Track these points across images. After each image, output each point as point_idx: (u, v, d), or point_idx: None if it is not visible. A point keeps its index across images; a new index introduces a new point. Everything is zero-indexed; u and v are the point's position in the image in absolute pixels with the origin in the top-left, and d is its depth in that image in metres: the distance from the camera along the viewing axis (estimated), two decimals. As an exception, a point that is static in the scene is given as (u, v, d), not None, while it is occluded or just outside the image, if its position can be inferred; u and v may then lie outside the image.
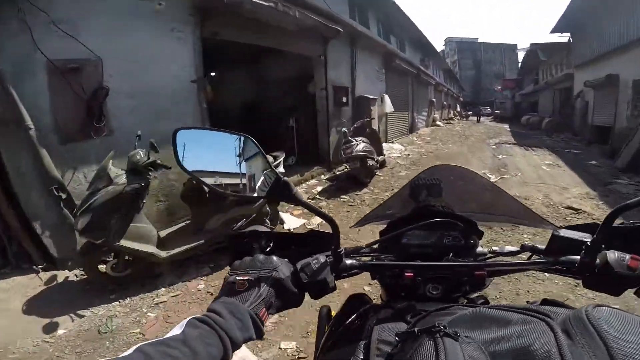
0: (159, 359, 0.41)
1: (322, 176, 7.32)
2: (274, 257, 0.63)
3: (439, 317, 0.54)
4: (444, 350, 0.39)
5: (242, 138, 0.67)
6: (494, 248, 0.82)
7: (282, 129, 8.60)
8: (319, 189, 6.52)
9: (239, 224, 3.39)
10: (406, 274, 0.67)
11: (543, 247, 0.72)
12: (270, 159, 2.33)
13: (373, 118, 8.21)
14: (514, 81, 37.55)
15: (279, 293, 0.60)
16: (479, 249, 0.81)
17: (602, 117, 12.04)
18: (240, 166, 0.68)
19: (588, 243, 0.63)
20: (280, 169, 3.96)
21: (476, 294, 0.76)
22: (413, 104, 15.44)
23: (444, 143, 13.09)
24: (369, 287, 2.82)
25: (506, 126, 23.60)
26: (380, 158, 7.38)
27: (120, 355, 0.41)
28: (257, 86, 10.44)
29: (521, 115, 28.35)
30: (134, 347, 0.43)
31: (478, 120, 27.39)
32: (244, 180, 0.68)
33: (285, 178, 0.63)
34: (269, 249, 0.74)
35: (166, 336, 0.46)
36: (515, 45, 58.13)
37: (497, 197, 0.96)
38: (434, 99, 20.38)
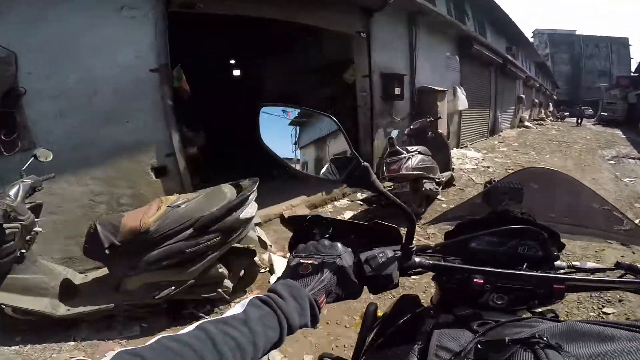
0: (219, 338, 0.41)
1: (358, 194, 5.26)
2: (339, 244, 0.61)
3: (514, 329, 0.53)
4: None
5: (324, 117, 0.67)
6: (574, 263, 0.77)
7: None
8: (348, 214, 4.54)
9: (165, 292, 2.26)
10: (475, 279, 0.63)
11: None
12: (228, 190, 2.37)
13: (439, 117, 5.87)
14: (629, 79, 30.23)
15: (340, 282, 0.58)
16: (557, 263, 0.75)
17: None
18: (319, 146, 0.70)
19: None
20: (252, 208, 2.44)
21: (543, 309, 0.69)
22: (496, 100, 12.29)
23: (539, 152, 9.86)
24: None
25: (618, 132, 18.22)
26: (446, 175, 5.06)
27: (182, 332, 0.42)
28: (273, 76, 8.92)
29: (637, 119, 22.42)
30: (196, 324, 0.43)
31: (579, 123, 21.70)
32: (323, 161, 0.68)
33: (366, 163, 0.57)
34: (328, 235, 0.69)
35: (227, 314, 0.47)
36: (626, 39, 48.10)
37: (598, 210, 0.84)
38: (522, 95, 16.53)
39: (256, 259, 2.76)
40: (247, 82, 10.32)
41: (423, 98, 6.84)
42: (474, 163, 7.87)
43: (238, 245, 2.46)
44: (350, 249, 0.62)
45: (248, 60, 9.55)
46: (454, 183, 5.81)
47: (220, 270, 2.36)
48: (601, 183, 6.25)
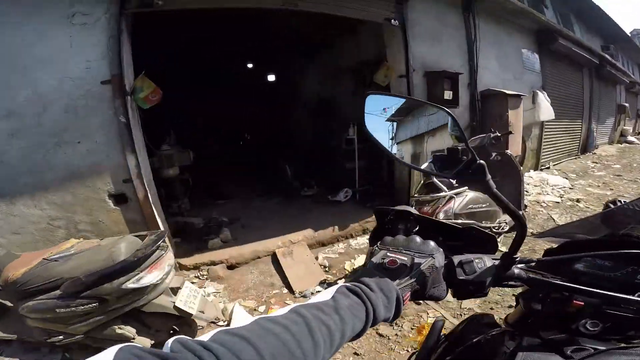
0: (314, 324, 0.41)
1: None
2: (432, 243, 0.60)
3: (621, 357, 0.50)
4: None
5: (434, 109, 0.68)
6: None
7: (334, 144, 5.54)
8: (355, 264, 3.30)
9: (54, 339, 1.85)
10: (575, 301, 0.58)
11: None
12: (125, 245, 1.89)
13: (511, 132, 4.14)
14: None
15: (429, 281, 0.57)
16: None
17: None
18: (429, 139, 0.69)
19: None
20: (154, 275, 1.88)
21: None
22: (591, 110, 9.64)
23: None
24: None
25: None
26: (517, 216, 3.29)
27: (277, 313, 0.43)
28: (301, 80, 7.94)
29: None
30: (289, 307, 0.44)
31: None
32: (425, 155, 0.68)
33: (481, 161, 0.54)
34: (414, 231, 0.69)
35: (317, 300, 0.47)
36: None
37: None
38: (625, 104, 13.15)
39: (208, 314, 2.31)
40: (260, 86, 9.45)
41: (488, 105, 5.14)
42: (558, 193, 5.76)
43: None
44: (441, 249, 0.61)
45: (260, 62, 8.68)
46: (524, 223, 3.93)
47: (119, 331, 1.87)
48: None
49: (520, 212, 0.53)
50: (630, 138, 13.37)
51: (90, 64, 2.78)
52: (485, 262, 0.59)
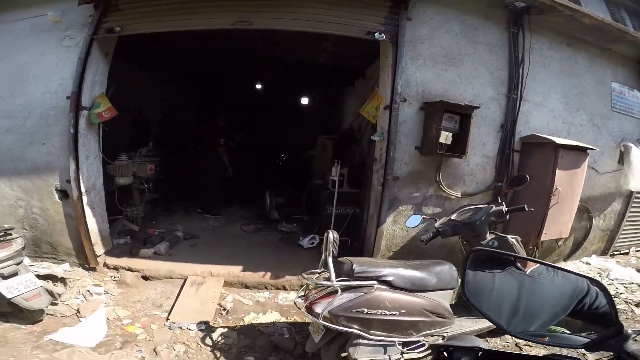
0: None
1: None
2: None
3: None
4: None
5: (587, 285, 0.62)
6: None
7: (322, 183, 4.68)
8: (260, 319, 2.85)
9: None
10: None
11: None
12: None
13: (525, 208, 2.27)
14: None
15: None
16: None
17: None
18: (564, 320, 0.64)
19: None
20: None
21: None
22: None
23: None
24: None
25: None
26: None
27: None
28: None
29: None
30: None
31: None
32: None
33: (628, 330, 0.52)
34: None
35: None
36: None
37: None
38: None
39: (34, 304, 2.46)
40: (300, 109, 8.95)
41: (530, 158, 3.41)
42: (615, 290, 3.71)
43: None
44: None
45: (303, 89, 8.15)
46: None
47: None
48: None
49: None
50: None
51: (64, 81, 3.14)
52: None
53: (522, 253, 2.24)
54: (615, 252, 4.91)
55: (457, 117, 2.91)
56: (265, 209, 5.30)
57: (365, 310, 1.72)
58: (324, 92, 7.85)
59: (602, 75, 4.12)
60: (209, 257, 3.76)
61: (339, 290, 1.71)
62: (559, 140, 3.23)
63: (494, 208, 2.25)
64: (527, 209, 2.24)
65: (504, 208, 2.24)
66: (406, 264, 1.97)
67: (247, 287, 3.36)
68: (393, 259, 3.20)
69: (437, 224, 2.33)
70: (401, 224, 3.05)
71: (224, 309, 2.95)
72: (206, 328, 2.62)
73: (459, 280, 2.39)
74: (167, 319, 2.71)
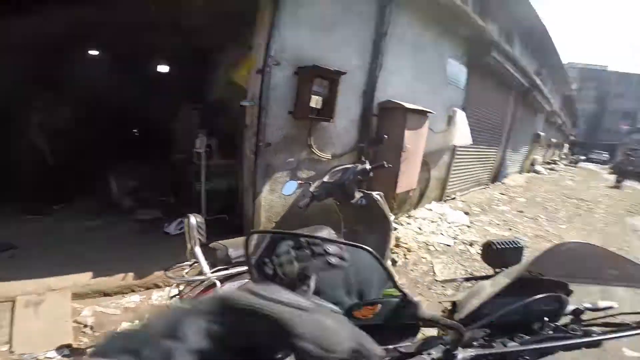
0: None
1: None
2: None
3: None
4: None
5: (351, 249, 0.55)
6: (585, 304, 0.80)
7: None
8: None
9: None
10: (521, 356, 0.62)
11: None
12: None
13: (385, 165, 2.43)
14: None
15: None
16: (571, 307, 0.77)
17: None
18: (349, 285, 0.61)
19: None
20: None
21: None
22: (509, 137, 9.05)
23: (551, 219, 6.56)
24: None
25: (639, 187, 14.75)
26: None
27: None
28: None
29: None
30: None
31: (618, 184, 13.67)
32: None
33: (416, 299, 0.50)
34: None
35: None
36: None
37: (605, 260, 0.79)
38: (542, 133, 13.18)
39: None
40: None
41: (386, 122, 3.78)
42: (454, 233, 4.80)
43: None
44: None
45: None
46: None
47: None
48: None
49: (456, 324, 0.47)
50: (537, 167, 13.57)
51: None
52: None
53: (386, 208, 2.39)
54: (447, 198, 6.25)
55: (327, 82, 2.91)
56: (112, 197, 4.32)
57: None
58: (191, 57, 6.69)
59: (442, 52, 4.87)
60: (41, 268, 2.86)
61: (218, 283, 1.42)
62: (408, 105, 3.68)
63: (359, 167, 2.31)
64: (386, 165, 2.38)
65: (367, 166, 2.31)
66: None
67: (107, 294, 2.74)
68: (267, 220, 3.14)
69: (312, 188, 2.26)
70: (279, 193, 2.96)
71: (84, 326, 2.41)
72: (70, 352, 2.16)
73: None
74: (11, 351, 2.17)
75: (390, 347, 0.59)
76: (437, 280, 3.37)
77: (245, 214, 3.14)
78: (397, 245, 3.89)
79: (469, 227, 5.19)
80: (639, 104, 42.47)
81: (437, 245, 4.20)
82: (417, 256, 3.85)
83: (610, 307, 0.83)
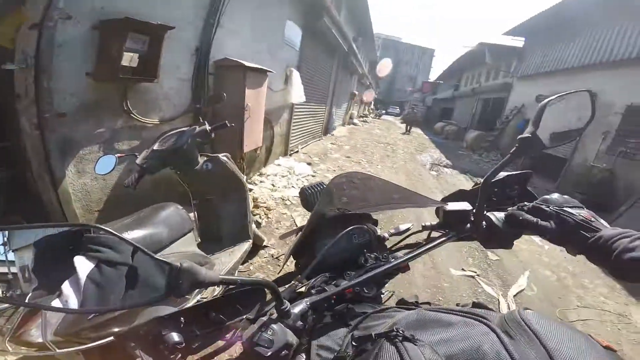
0: None
1: None
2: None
3: (379, 320, 0.57)
4: (407, 354, 0.38)
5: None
6: (391, 230, 0.91)
7: None
8: None
9: None
10: (347, 290, 0.66)
11: (435, 223, 0.81)
12: None
13: (227, 124, 2.16)
14: (430, 84, 36.05)
15: None
16: (379, 233, 0.85)
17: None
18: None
19: (473, 211, 0.73)
20: None
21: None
22: (334, 94, 10.33)
23: (370, 161, 8.35)
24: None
25: (420, 131, 20.70)
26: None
27: None
28: None
29: (432, 120, 26.48)
30: None
31: (408, 130, 18.84)
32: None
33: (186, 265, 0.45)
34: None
35: None
36: (433, 51, 59.09)
37: (388, 190, 0.83)
38: (356, 92, 15.76)
39: None
40: None
41: (224, 81, 3.49)
42: (302, 184, 5.27)
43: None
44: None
45: None
46: (264, 244, 3.12)
47: None
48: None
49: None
50: (355, 120, 16.43)
51: None
52: (273, 328, 0.54)
53: (236, 169, 2.25)
54: (291, 152, 6.67)
55: (147, 38, 2.30)
56: None
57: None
58: None
59: (282, 13, 4.77)
60: None
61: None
62: (247, 64, 3.50)
63: (198, 129, 2.02)
64: (228, 125, 2.15)
65: (207, 127, 2.04)
66: (119, 226, 1.35)
67: None
68: (102, 221, 2.48)
69: (138, 160, 1.84)
70: (92, 173, 2.30)
71: None
72: None
73: (195, 217, 2.14)
74: None
75: (241, 318, 0.60)
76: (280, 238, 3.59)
77: (47, 209, 2.31)
78: (256, 206, 3.90)
79: (313, 176, 5.80)
80: (418, 70, 57.30)
81: (292, 199, 4.46)
82: (278, 213, 3.99)
83: (408, 229, 0.92)
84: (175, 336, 0.53)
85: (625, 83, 7.06)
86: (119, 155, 1.84)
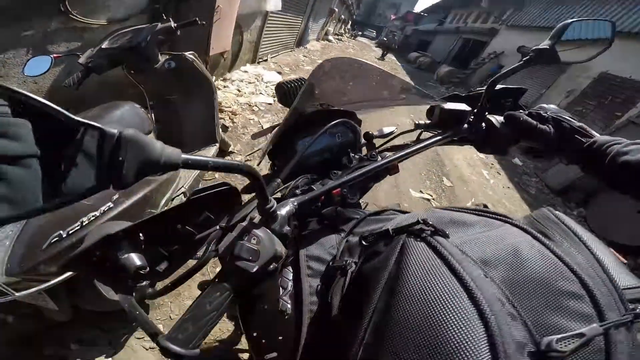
0: None
1: None
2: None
3: (377, 223, 0.54)
4: (445, 250, 0.32)
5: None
6: (376, 133, 0.80)
7: None
8: None
9: None
10: (334, 191, 0.59)
11: (429, 122, 0.76)
12: None
13: (198, 21, 1.90)
14: (415, 15, 34.30)
15: None
16: (364, 133, 0.78)
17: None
18: None
19: (474, 111, 0.71)
20: None
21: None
22: (313, 8, 9.51)
23: None
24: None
25: (394, 58, 20.43)
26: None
27: None
28: None
29: (408, 49, 25.98)
30: None
31: (383, 57, 17.98)
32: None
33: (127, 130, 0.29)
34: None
35: None
36: None
37: (383, 82, 0.73)
38: (336, 9, 14.51)
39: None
40: None
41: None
42: (272, 92, 5.21)
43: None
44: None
45: None
46: (230, 150, 3.14)
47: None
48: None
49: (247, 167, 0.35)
50: (330, 37, 15.48)
51: None
52: (258, 234, 0.44)
53: (203, 67, 2.11)
54: (260, 60, 6.40)
55: None
56: None
57: (62, 234, 1.03)
58: None
59: None
60: None
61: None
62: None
63: (160, 25, 1.82)
64: (199, 22, 1.93)
65: (173, 24, 1.83)
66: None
67: None
68: None
69: (82, 60, 1.64)
70: (19, 77, 2.11)
71: None
72: None
73: (151, 116, 1.97)
74: None
75: (215, 228, 0.52)
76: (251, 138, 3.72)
77: None
78: (220, 110, 3.90)
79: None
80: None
81: (259, 105, 4.41)
82: (245, 118, 3.94)
83: (392, 132, 0.85)
84: (135, 259, 0.43)
85: (609, 52, 7.33)
86: (55, 55, 1.63)
